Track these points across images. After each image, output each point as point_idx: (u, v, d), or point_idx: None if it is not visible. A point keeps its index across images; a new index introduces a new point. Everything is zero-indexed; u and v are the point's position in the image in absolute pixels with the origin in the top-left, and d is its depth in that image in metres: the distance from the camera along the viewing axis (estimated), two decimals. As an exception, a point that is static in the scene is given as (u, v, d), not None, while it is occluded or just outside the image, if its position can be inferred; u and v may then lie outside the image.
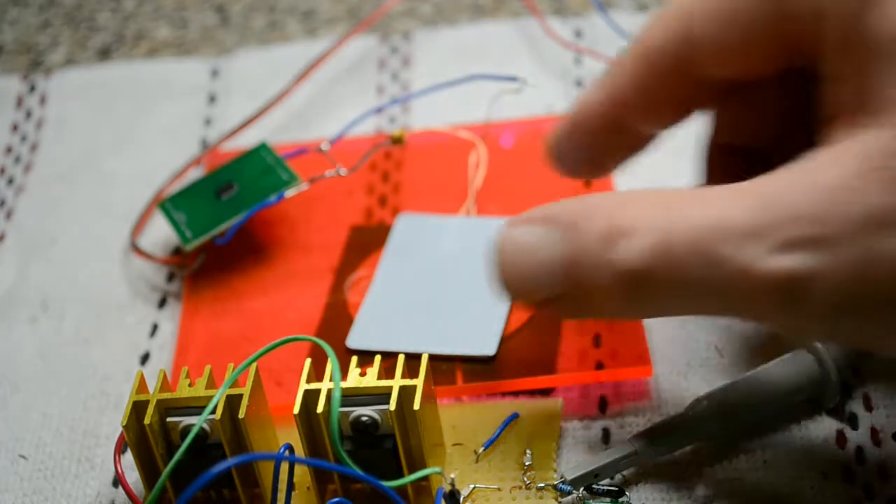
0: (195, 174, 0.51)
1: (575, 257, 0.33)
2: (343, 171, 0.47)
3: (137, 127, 0.56)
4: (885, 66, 0.31)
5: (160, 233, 0.50)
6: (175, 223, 0.47)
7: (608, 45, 0.54)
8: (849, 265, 0.30)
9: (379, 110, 0.53)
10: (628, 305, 0.34)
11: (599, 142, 0.39)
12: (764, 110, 0.39)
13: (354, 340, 0.44)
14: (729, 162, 0.40)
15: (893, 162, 0.30)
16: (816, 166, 0.31)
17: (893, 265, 0.30)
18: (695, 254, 0.31)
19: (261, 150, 0.49)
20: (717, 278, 0.31)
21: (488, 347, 0.43)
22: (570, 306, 0.35)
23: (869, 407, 0.40)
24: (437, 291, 0.45)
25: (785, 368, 0.39)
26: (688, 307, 0.33)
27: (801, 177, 0.31)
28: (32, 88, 0.58)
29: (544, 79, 0.54)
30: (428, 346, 0.43)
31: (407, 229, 0.48)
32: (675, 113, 0.39)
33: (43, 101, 0.58)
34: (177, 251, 0.50)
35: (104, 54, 0.61)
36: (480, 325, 0.43)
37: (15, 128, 0.57)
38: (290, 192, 0.46)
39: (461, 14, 0.60)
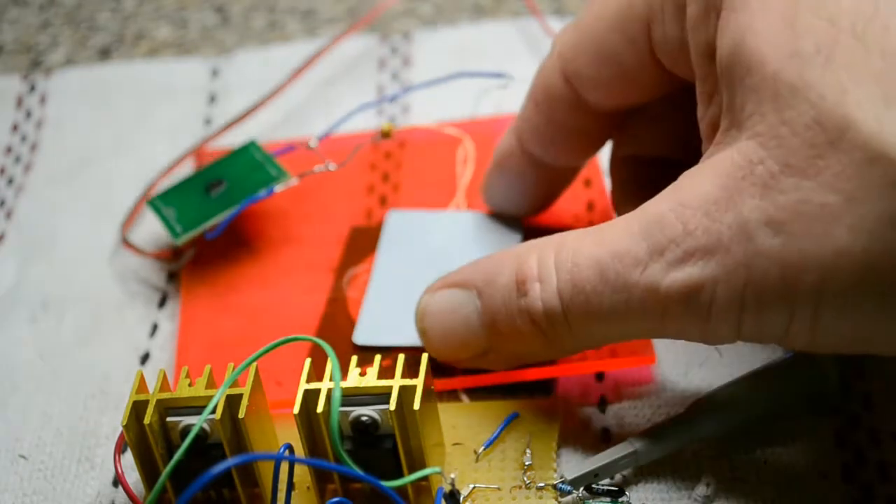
0: (185, 172, 0.51)
1: (491, 312, 0.37)
2: (332, 167, 0.48)
3: (137, 127, 0.56)
4: (737, 84, 0.33)
5: (152, 230, 0.50)
6: (164, 218, 0.48)
7: (608, 45, 0.54)
8: (735, 269, 0.32)
9: (379, 104, 0.54)
10: (552, 345, 0.37)
11: (524, 181, 0.43)
12: (663, 125, 0.42)
13: (361, 336, 0.44)
14: (638, 172, 0.43)
15: (757, 168, 0.32)
16: (692, 182, 0.34)
17: (775, 262, 0.32)
18: (603, 283, 0.35)
19: (250, 148, 0.49)
20: (629, 302, 0.34)
21: None
22: (498, 359, 0.39)
23: (869, 407, 0.40)
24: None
25: (785, 368, 0.39)
26: (610, 334, 0.37)
27: (680, 196, 0.34)
28: (32, 88, 0.58)
29: (521, 77, 0.54)
30: None
31: (398, 225, 0.48)
32: (580, 144, 0.42)
33: (43, 101, 0.58)
34: (174, 250, 0.50)
35: (104, 54, 0.61)
36: None
37: (15, 128, 0.57)
38: (279, 188, 0.47)
39: (461, 14, 0.60)
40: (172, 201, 0.48)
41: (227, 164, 0.49)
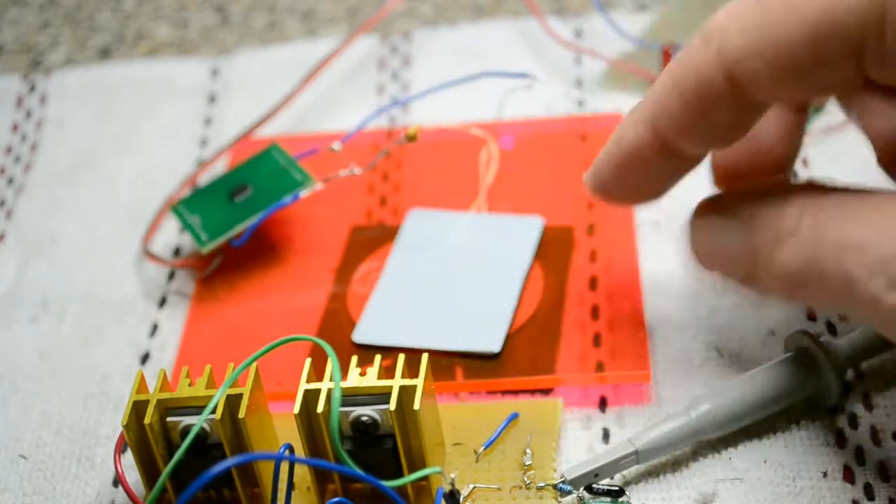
0: (206, 178, 0.51)
1: (752, 251, 0.36)
2: (357, 170, 0.47)
3: (137, 127, 0.56)
4: None
5: (164, 235, 0.50)
6: (189, 226, 0.47)
7: (608, 45, 0.54)
8: None
9: (402, 104, 0.54)
10: (788, 295, 0.36)
11: (656, 171, 0.39)
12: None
13: (361, 335, 0.44)
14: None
15: None
16: None
17: None
18: (837, 271, 0.33)
19: (272, 151, 0.48)
20: (852, 299, 0.33)
21: (494, 344, 0.43)
22: (750, 286, 0.37)
23: (869, 407, 0.40)
24: (445, 287, 0.45)
25: (785, 368, 0.39)
26: (834, 309, 0.37)
27: None
28: (32, 88, 0.58)
29: (544, 78, 0.54)
30: (434, 342, 0.43)
31: (417, 225, 0.48)
32: (734, 134, 0.38)
33: (43, 101, 0.58)
34: (178, 252, 0.50)
35: (104, 54, 0.61)
36: (486, 322, 0.43)
37: (15, 128, 0.57)
38: (304, 193, 0.46)
39: (461, 14, 0.60)
40: (196, 208, 0.48)
41: (249, 168, 0.48)
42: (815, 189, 0.35)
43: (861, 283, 0.32)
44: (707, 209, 0.38)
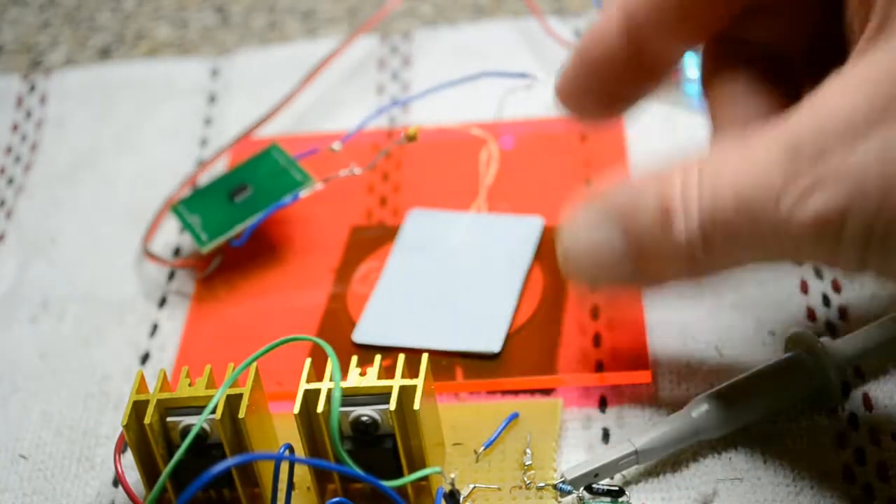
0: (207, 178, 0.51)
1: (637, 239, 0.34)
2: (357, 170, 0.47)
3: (137, 127, 0.56)
4: None
5: (164, 235, 0.50)
6: (189, 226, 0.47)
7: (608, 45, 0.54)
8: (868, 197, 0.30)
9: (403, 104, 0.54)
10: (695, 270, 0.34)
11: (615, 73, 0.38)
12: (797, 19, 0.38)
13: (361, 335, 0.44)
14: (730, 52, 0.38)
15: None
16: (835, 95, 0.31)
17: None
18: (741, 216, 0.32)
19: (272, 151, 0.48)
20: (764, 233, 0.32)
21: (494, 344, 0.43)
22: (643, 284, 0.36)
23: (869, 407, 0.40)
24: (445, 287, 0.45)
25: (785, 368, 0.39)
26: (745, 260, 0.34)
27: (822, 112, 0.31)
28: (32, 88, 0.58)
29: (544, 78, 0.54)
30: (434, 342, 0.43)
31: (417, 225, 0.48)
32: (705, 21, 0.37)
33: (43, 101, 0.58)
34: (178, 252, 0.50)
35: (104, 54, 0.61)
36: (486, 322, 0.43)
37: (15, 128, 0.57)
38: (304, 193, 0.46)
39: (461, 14, 0.60)
40: (196, 208, 0.48)
41: (249, 168, 0.48)
42: (669, 166, 0.34)
43: (769, 215, 0.32)
44: (575, 222, 0.36)
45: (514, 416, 0.40)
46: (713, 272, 0.35)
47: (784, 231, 0.32)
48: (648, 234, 0.34)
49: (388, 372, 0.38)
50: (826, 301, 0.43)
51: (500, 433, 0.40)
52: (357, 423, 0.37)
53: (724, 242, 0.33)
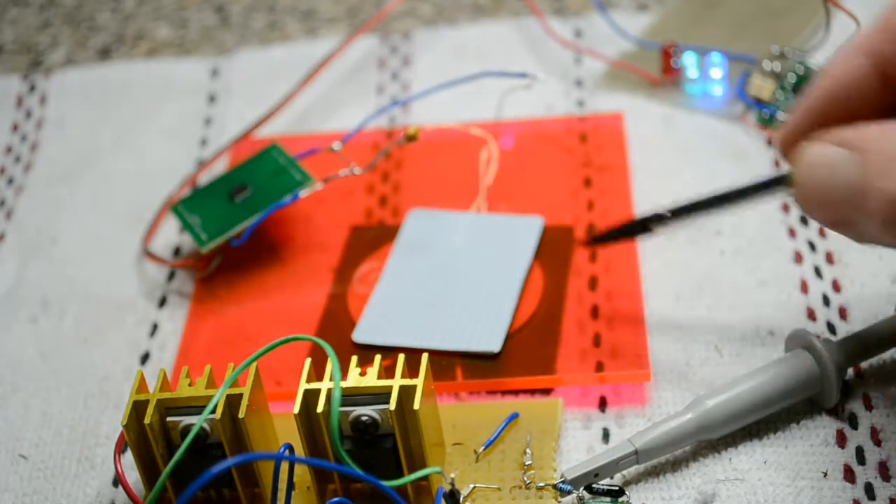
0: (207, 178, 0.51)
1: (869, 186, 0.33)
2: (357, 170, 0.47)
3: (137, 127, 0.56)
4: None
5: (164, 235, 0.50)
6: (189, 226, 0.47)
7: (608, 45, 0.54)
8: None
9: (403, 103, 0.54)
10: (888, 234, 0.33)
11: (857, 110, 0.36)
12: None
13: (361, 334, 0.44)
14: None
15: None
16: None
17: None
18: None
19: (272, 151, 0.48)
20: None
21: (494, 344, 0.43)
22: (863, 235, 0.34)
23: (869, 407, 0.40)
24: (445, 287, 0.45)
25: (785, 368, 0.39)
26: None
27: None
28: (32, 88, 0.58)
29: (544, 78, 0.54)
30: (434, 342, 0.43)
31: (417, 225, 0.48)
32: None
33: (43, 101, 0.58)
34: (178, 252, 0.50)
35: (104, 54, 0.61)
36: (487, 322, 0.43)
37: (15, 128, 0.57)
38: (304, 193, 0.46)
39: (461, 14, 0.60)
40: (196, 208, 0.48)
41: (249, 168, 0.48)
42: None
43: None
44: (817, 141, 0.35)
45: (514, 416, 0.40)
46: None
47: None
48: (869, 180, 0.32)
49: (388, 372, 0.38)
50: (826, 301, 0.43)
51: (500, 433, 0.40)
52: (357, 423, 0.37)
53: None
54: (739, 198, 0.39)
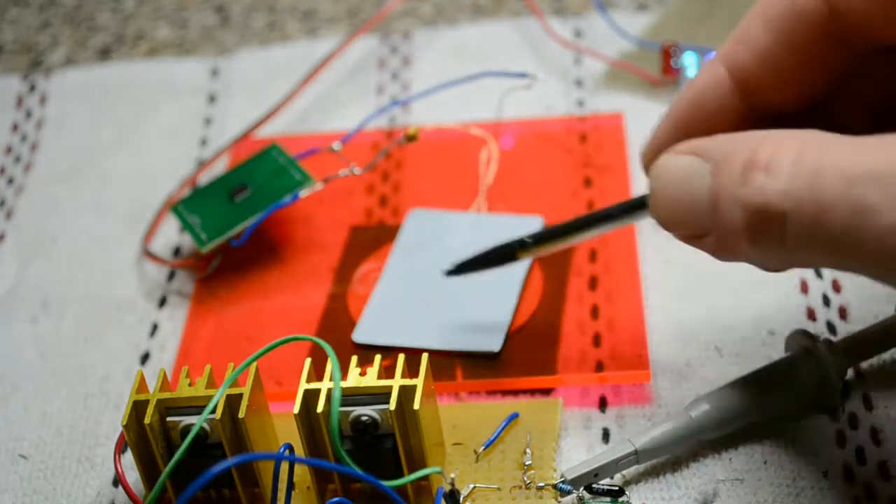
0: (206, 178, 0.51)
1: (717, 191, 0.32)
2: (357, 170, 0.47)
3: (137, 127, 0.56)
4: None
5: (164, 235, 0.50)
6: (189, 226, 0.47)
7: (608, 45, 0.54)
8: None
9: (403, 103, 0.54)
10: (753, 248, 0.32)
11: (724, 123, 0.35)
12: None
13: (361, 335, 0.44)
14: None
15: None
16: None
17: None
18: (844, 200, 0.29)
19: (272, 151, 0.48)
20: (862, 230, 0.29)
21: (494, 344, 0.43)
22: (715, 247, 0.34)
23: (869, 407, 0.40)
24: (445, 287, 0.45)
25: (785, 368, 0.39)
26: (821, 261, 0.32)
27: None
28: (32, 88, 0.58)
29: (544, 78, 0.54)
30: (434, 342, 0.43)
31: (417, 225, 0.48)
32: (815, 78, 0.35)
33: (43, 101, 0.58)
34: (178, 252, 0.50)
35: (104, 54, 0.61)
36: (487, 322, 0.43)
37: (15, 128, 0.57)
38: (304, 193, 0.46)
39: (461, 14, 0.60)
40: (196, 208, 0.48)
41: (249, 168, 0.48)
42: (779, 131, 0.32)
43: (881, 215, 0.28)
44: (675, 153, 0.34)
45: (514, 416, 0.40)
46: (771, 261, 0.33)
47: (889, 236, 0.29)
48: (727, 187, 0.31)
49: (388, 372, 0.38)
50: (826, 301, 0.43)
51: (500, 433, 0.40)
52: (357, 423, 0.37)
53: (811, 226, 0.30)
54: (602, 222, 0.39)
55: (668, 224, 0.35)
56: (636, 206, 0.38)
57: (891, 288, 0.31)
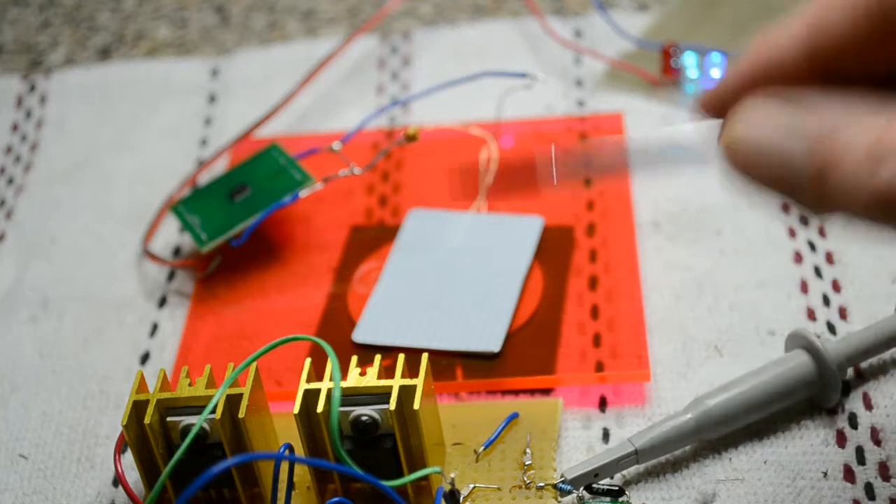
0: (198, 177, 0.51)
1: (828, 162, 0.30)
2: (357, 170, 0.47)
3: (137, 127, 0.56)
4: None
5: (164, 235, 0.50)
6: (189, 226, 0.47)
7: (608, 45, 0.54)
8: None
9: (403, 103, 0.54)
10: (873, 217, 0.30)
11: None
12: None
13: (361, 335, 0.44)
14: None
15: None
16: None
17: None
18: None
19: (272, 151, 0.48)
20: None
21: (494, 344, 0.43)
22: (806, 203, 0.31)
23: (869, 406, 0.40)
24: (445, 287, 0.45)
25: (785, 368, 0.39)
26: None
27: None
28: (32, 88, 0.58)
29: (544, 78, 0.54)
30: (434, 342, 0.43)
31: (417, 225, 0.48)
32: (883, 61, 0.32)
33: (43, 101, 0.58)
34: (178, 252, 0.50)
35: (104, 54, 0.61)
36: (487, 322, 0.43)
37: (15, 128, 0.57)
38: (304, 193, 0.46)
39: (461, 14, 0.60)
40: (196, 208, 0.48)
41: (249, 168, 0.48)
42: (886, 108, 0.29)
43: None
44: (765, 98, 0.31)
45: (514, 416, 0.40)
46: (880, 224, 0.30)
47: None
48: (849, 167, 0.29)
49: (388, 372, 0.38)
50: (826, 301, 0.43)
51: (500, 433, 0.40)
52: (357, 423, 0.37)
53: None
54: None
55: (747, 170, 0.32)
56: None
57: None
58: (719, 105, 0.33)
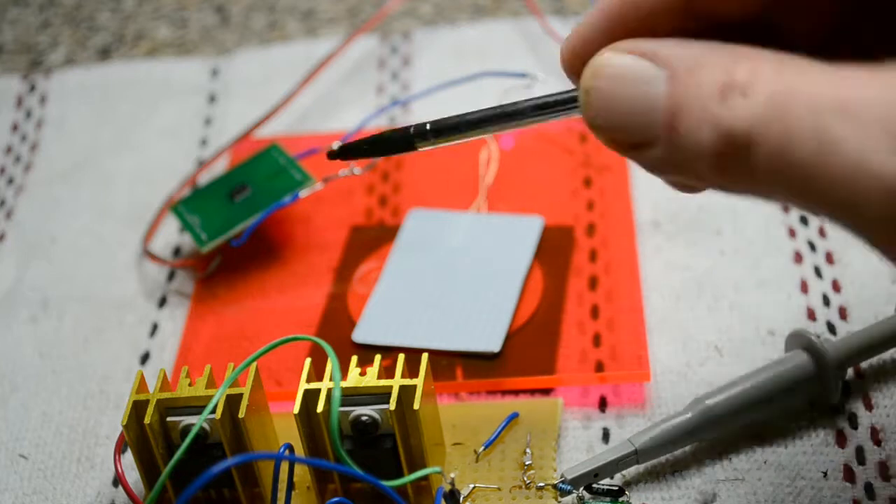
0: (198, 177, 0.51)
1: (680, 103, 0.29)
2: (357, 170, 0.47)
3: (137, 127, 0.56)
4: None
5: (164, 235, 0.50)
6: (189, 226, 0.47)
7: (608, 45, 0.54)
8: None
9: (403, 103, 0.54)
10: (716, 172, 0.30)
11: (655, 25, 0.32)
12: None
13: (361, 335, 0.44)
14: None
15: None
16: None
17: None
18: (810, 129, 0.27)
19: (272, 151, 0.48)
20: (827, 165, 0.27)
21: (493, 344, 0.43)
22: (659, 161, 0.31)
23: (869, 407, 0.40)
24: (445, 287, 0.45)
25: (785, 368, 0.39)
26: (778, 190, 0.29)
27: None
28: (32, 88, 0.58)
29: (544, 78, 0.54)
30: (434, 342, 0.43)
31: (417, 225, 0.48)
32: None
33: (43, 101, 0.58)
34: (178, 252, 0.50)
35: (104, 54, 0.61)
36: (487, 322, 0.43)
37: (15, 128, 0.57)
38: (304, 193, 0.46)
39: (461, 14, 0.60)
40: (196, 208, 0.48)
41: (249, 168, 0.48)
42: (746, 49, 0.29)
43: (845, 150, 0.27)
44: (619, 50, 0.31)
45: (514, 416, 0.40)
46: (727, 185, 0.30)
47: (851, 173, 0.27)
48: (697, 103, 0.29)
49: (388, 372, 0.38)
50: (826, 301, 0.43)
51: (499, 433, 0.40)
52: (357, 423, 0.37)
53: (769, 151, 0.28)
54: (513, 118, 0.35)
55: (604, 128, 0.31)
56: (560, 104, 0.34)
57: (889, 262, 0.29)
58: (581, 56, 0.32)
